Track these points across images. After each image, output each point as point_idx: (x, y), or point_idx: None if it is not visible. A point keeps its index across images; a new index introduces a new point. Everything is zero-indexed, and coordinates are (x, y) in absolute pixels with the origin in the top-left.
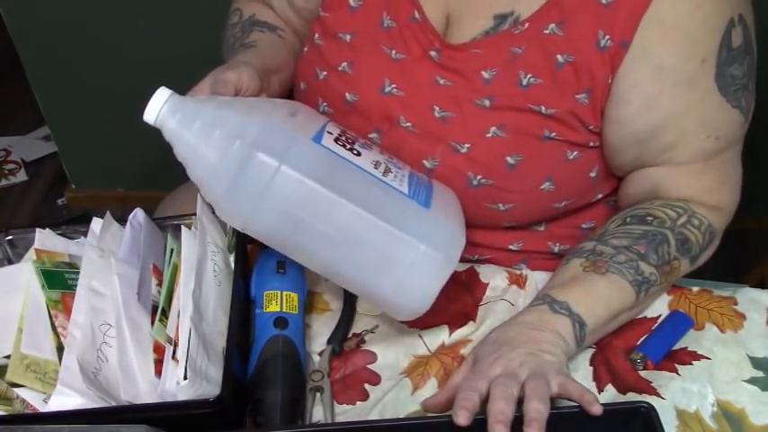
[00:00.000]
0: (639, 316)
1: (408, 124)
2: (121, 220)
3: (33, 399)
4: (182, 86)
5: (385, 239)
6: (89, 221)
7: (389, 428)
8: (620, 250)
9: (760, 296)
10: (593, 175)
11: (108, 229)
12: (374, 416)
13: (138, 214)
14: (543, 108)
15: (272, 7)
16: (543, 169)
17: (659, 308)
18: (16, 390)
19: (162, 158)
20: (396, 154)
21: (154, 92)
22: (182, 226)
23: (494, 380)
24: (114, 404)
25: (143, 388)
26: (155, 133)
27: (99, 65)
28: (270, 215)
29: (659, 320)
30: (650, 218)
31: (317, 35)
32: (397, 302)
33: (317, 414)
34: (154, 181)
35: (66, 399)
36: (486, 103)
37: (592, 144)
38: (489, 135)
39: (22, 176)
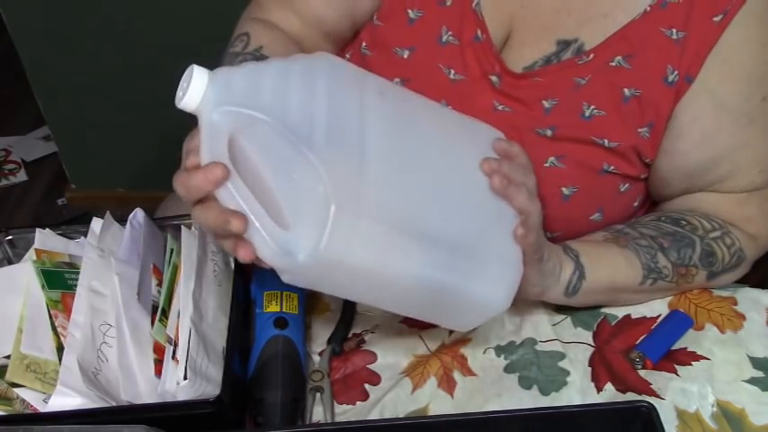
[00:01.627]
0: (639, 316)
1: None
2: (121, 220)
3: (33, 399)
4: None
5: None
6: (89, 221)
7: (389, 428)
8: (644, 237)
9: (760, 296)
10: (636, 204)
11: (108, 229)
12: (374, 416)
13: (138, 214)
14: (606, 141)
15: (287, 32)
16: (596, 201)
17: (659, 307)
18: (16, 390)
19: (162, 158)
20: None
21: (153, 92)
22: (182, 226)
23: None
24: (114, 404)
25: (143, 388)
26: (155, 133)
27: (99, 65)
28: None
29: (659, 320)
30: (684, 222)
31: (364, 44)
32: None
33: (317, 414)
34: (154, 181)
35: (66, 399)
36: (549, 132)
37: (642, 176)
38: (547, 165)
39: (22, 176)
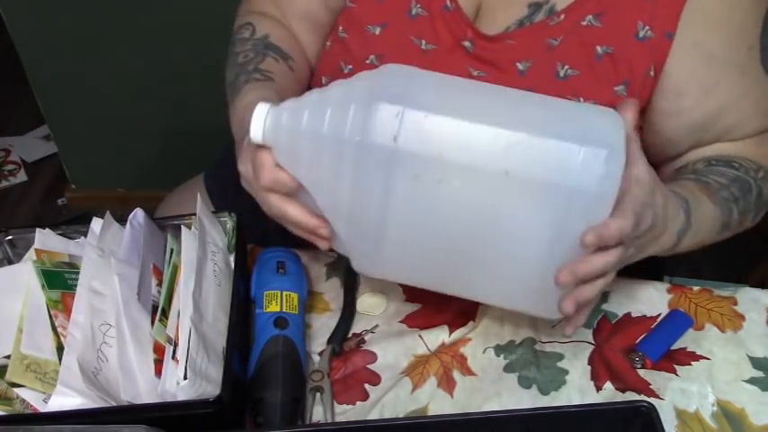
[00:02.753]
0: (639, 314)
1: None
2: (121, 220)
3: (33, 399)
4: (181, 86)
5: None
6: (89, 221)
7: (389, 428)
8: (723, 186)
9: (760, 296)
10: None
11: (108, 229)
12: (374, 416)
13: (138, 214)
14: (582, 100)
15: (288, 26)
16: None
17: (659, 307)
18: (16, 390)
19: (162, 158)
20: None
21: (153, 92)
22: (182, 226)
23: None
24: (114, 404)
25: (143, 388)
26: (155, 133)
27: (99, 65)
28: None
29: (659, 320)
30: (736, 163)
31: (341, 28)
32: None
33: (317, 414)
34: (154, 181)
35: (66, 399)
36: None
37: None
38: None
39: (22, 176)
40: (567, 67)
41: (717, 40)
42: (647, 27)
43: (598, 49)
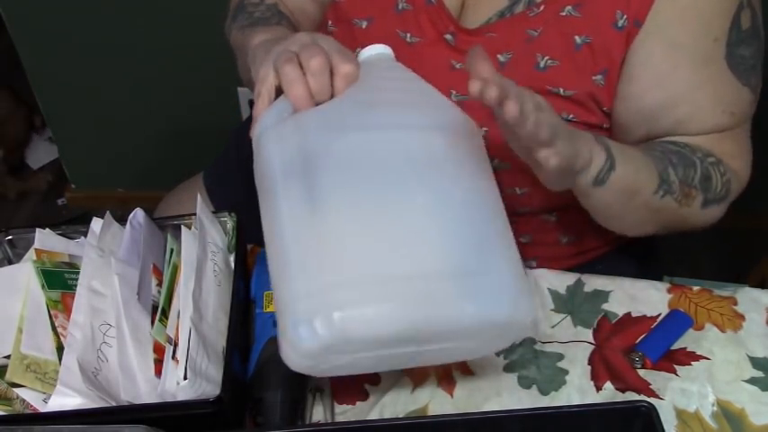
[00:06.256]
0: (638, 314)
1: None
2: (121, 220)
3: (33, 399)
4: (181, 85)
5: None
6: (89, 221)
7: (389, 428)
8: (655, 150)
9: (760, 296)
10: None
11: (108, 229)
12: (374, 416)
13: (138, 214)
14: (562, 90)
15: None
16: None
17: (659, 307)
18: (16, 390)
19: (162, 158)
20: None
21: (153, 92)
22: (182, 226)
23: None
24: (114, 404)
25: (143, 388)
26: (155, 133)
27: (99, 65)
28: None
29: (658, 319)
30: (683, 144)
31: (330, 22)
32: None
33: (317, 414)
34: (154, 181)
35: (66, 399)
36: None
37: (605, 126)
38: None
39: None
40: (546, 57)
41: (682, 27)
42: (624, 16)
43: (577, 38)
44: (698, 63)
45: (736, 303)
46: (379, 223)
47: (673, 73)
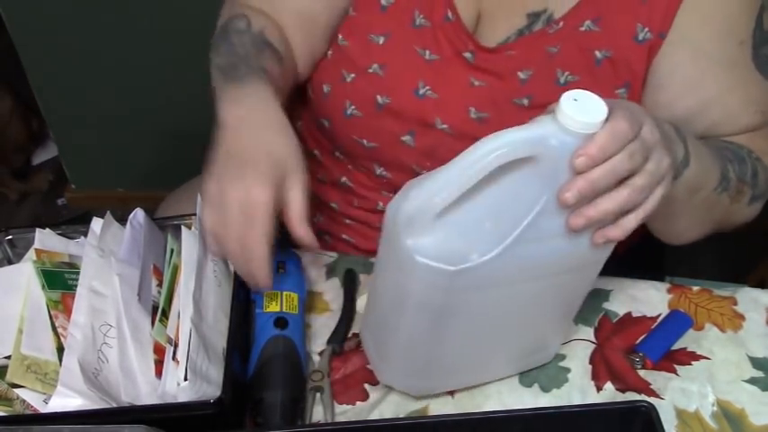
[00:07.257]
0: (639, 314)
1: (445, 126)
2: (121, 220)
3: (33, 399)
4: (181, 85)
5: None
6: (89, 221)
7: (389, 428)
8: (712, 147)
9: (760, 296)
10: None
11: (108, 229)
12: (374, 416)
13: (138, 214)
14: None
15: (278, 21)
16: None
17: (659, 307)
18: (16, 390)
19: (162, 158)
20: (431, 155)
21: (154, 92)
22: (182, 226)
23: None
24: (115, 405)
25: (143, 389)
26: (155, 134)
27: (99, 65)
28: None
29: (659, 320)
30: (728, 143)
31: (340, 36)
32: None
33: (317, 414)
34: (154, 181)
35: (66, 399)
36: (525, 102)
37: None
38: None
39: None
40: (567, 73)
41: (707, 34)
42: (646, 29)
43: (597, 53)
44: (726, 67)
45: (736, 303)
46: (478, 347)
47: (702, 79)
